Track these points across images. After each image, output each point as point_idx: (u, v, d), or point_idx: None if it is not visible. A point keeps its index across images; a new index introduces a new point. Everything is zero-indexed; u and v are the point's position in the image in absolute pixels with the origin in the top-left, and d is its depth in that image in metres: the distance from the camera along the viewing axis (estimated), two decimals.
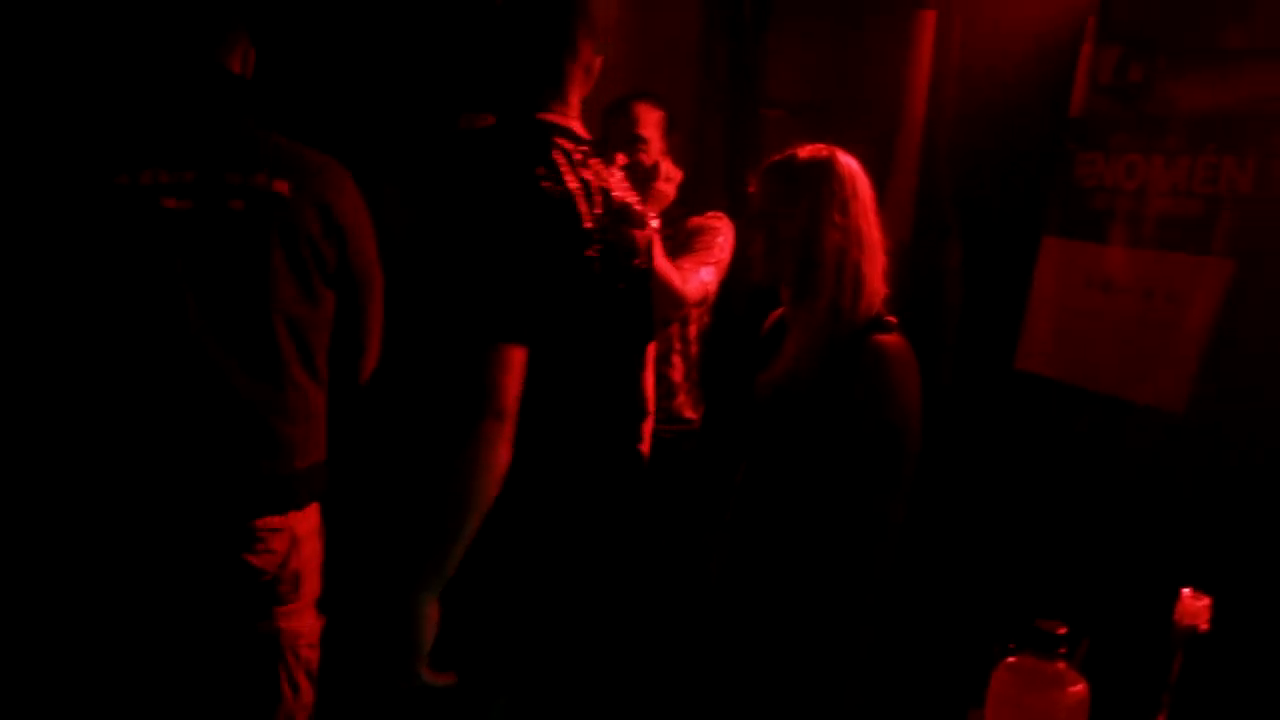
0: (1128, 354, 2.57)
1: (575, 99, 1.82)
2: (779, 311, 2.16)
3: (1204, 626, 1.48)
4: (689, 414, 2.77)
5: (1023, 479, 2.73)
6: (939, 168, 3.19)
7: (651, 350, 2.04)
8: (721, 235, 2.64)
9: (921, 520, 2.13)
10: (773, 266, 2.02)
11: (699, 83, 3.51)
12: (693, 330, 2.73)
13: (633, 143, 2.59)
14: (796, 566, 1.97)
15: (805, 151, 2.00)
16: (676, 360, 2.73)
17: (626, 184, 1.88)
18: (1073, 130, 2.78)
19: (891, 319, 1.94)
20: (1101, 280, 2.68)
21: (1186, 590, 1.51)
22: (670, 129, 2.68)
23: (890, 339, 1.90)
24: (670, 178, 2.54)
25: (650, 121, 2.62)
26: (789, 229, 1.96)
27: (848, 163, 1.98)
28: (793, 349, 2.04)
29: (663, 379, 2.73)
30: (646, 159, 2.56)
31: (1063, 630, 1.27)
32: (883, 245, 1.98)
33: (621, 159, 2.58)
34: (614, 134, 2.63)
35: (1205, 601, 1.49)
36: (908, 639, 2.15)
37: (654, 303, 2.47)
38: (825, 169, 1.96)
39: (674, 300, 2.48)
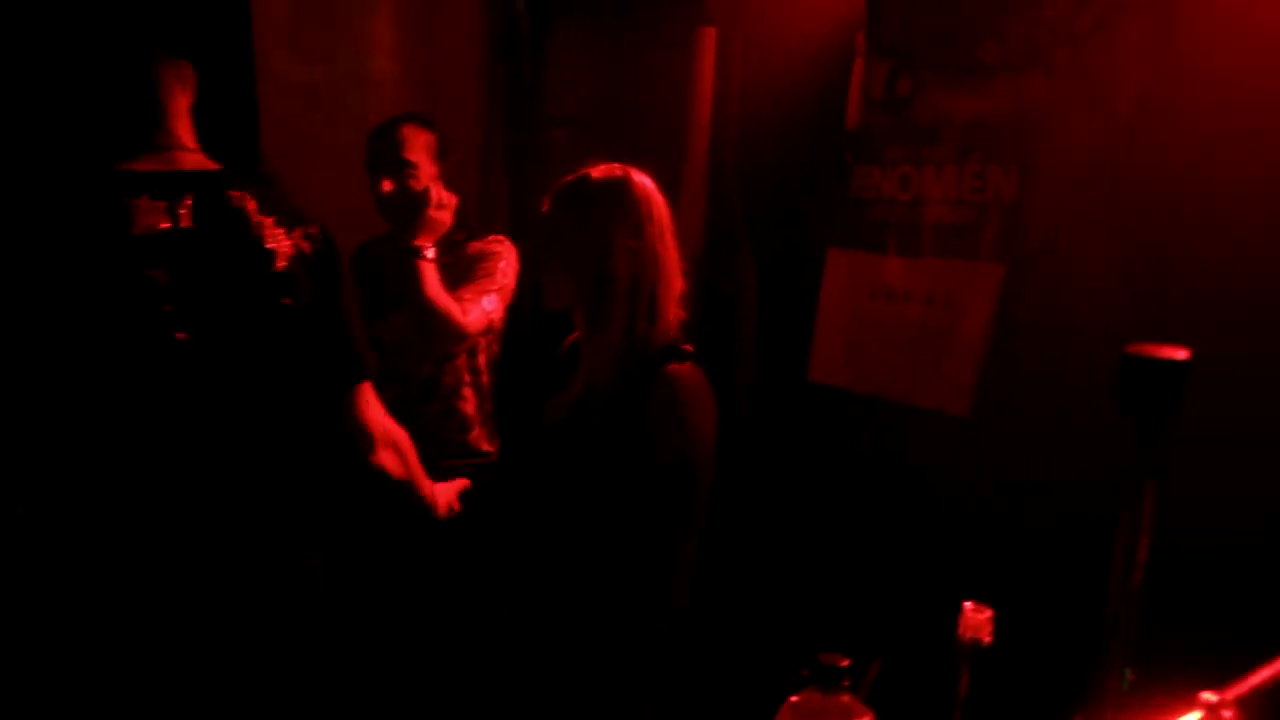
0: (913, 360, 2.63)
1: (176, 122, 1.79)
2: (575, 335, 2.08)
3: (987, 639, 1.48)
4: (485, 446, 2.65)
5: (822, 493, 2.74)
6: (727, 183, 3.19)
7: (363, 399, 1.89)
8: (504, 260, 2.54)
9: (722, 545, 2.09)
10: (565, 291, 1.94)
11: (482, 102, 3.42)
12: (482, 360, 2.62)
13: (399, 168, 2.46)
14: (587, 603, 1.89)
15: (598, 171, 1.91)
16: (468, 393, 2.62)
17: (261, 216, 1.77)
18: (849, 143, 2.83)
19: (688, 347, 1.88)
20: (884, 290, 2.73)
21: (968, 603, 1.50)
22: (443, 152, 2.55)
23: (685, 369, 1.83)
24: (444, 204, 2.41)
25: (418, 145, 2.49)
26: (581, 252, 1.87)
27: (643, 183, 1.90)
28: (585, 376, 1.97)
29: (456, 413, 2.61)
30: (415, 185, 2.43)
31: (845, 662, 1.22)
32: (680, 269, 1.92)
33: (388, 185, 2.45)
34: (379, 159, 2.49)
35: (987, 614, 1.48)
36: (706, 673, 2.10)
37: (431, 337, 2.37)
38: (619, 189, 1.88)
39: (453, 333, 2.37)
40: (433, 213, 2.37)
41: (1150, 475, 0.79)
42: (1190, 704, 0.98)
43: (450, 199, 2.44)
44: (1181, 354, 0.77)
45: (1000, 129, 2.48)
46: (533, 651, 1.99)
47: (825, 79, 2.93)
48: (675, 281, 1.91)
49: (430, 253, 2.34)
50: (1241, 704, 0.99)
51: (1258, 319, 2.03)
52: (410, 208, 2.37)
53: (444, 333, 2.36)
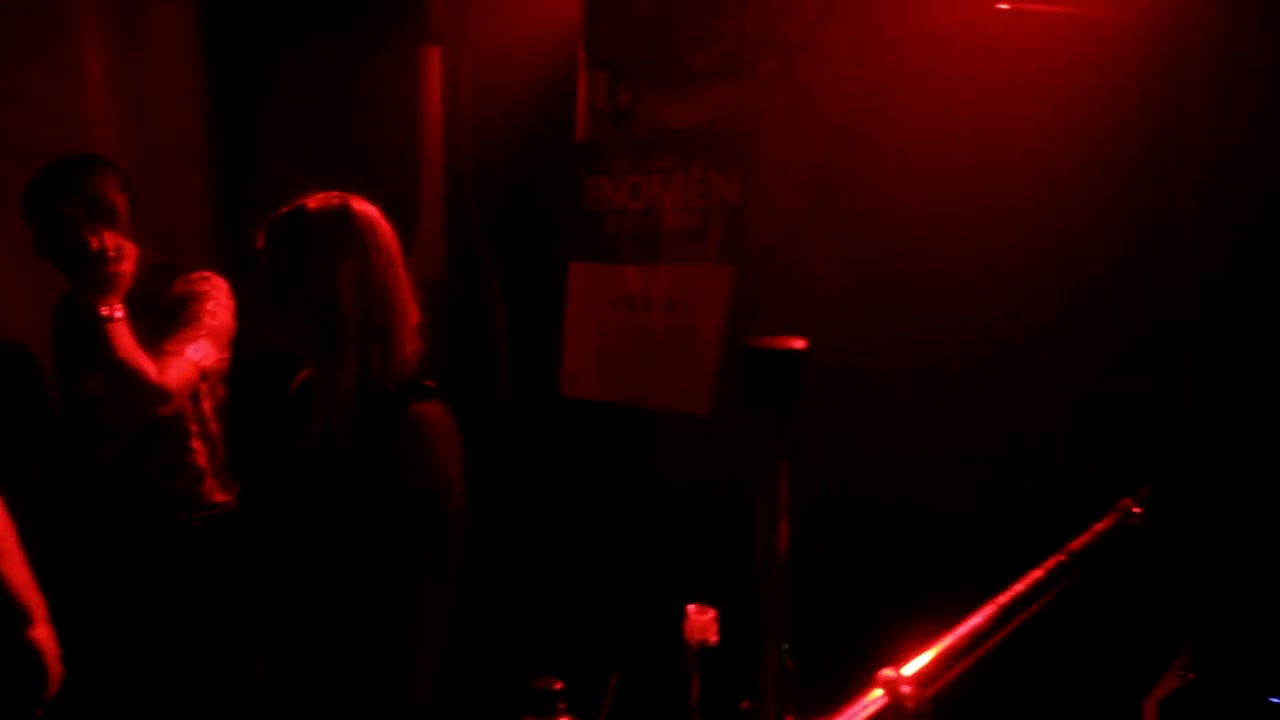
0: (658, 366, 2.66)
1: None
2: (306, 372, 1.96)
3: (714, 639, 1.49)
4: (219, 497, 2.48)
5: (578, 506, 2.73)
6: (466, 203, 3.15)
7: None
8: (211, 299, 2.34)
9: (481, 569, 2.03)
10: (290, 332, 1.81)
11: (201, 133, 3.23)
12: (208, 406, 2.45)
13: (56, 227, 2.20)
14: (342, 651, 1.79)
15: (315, 201, 1.78)
16: (197, 444, 2.43)
17: None
18: (579, 156, 2.85)
19: (429, 383, 1.79)
20: (625, 299, 2.75)
21: (691, 606, 1.51)
22: (112, 199, 2.29)
23: (429, 407, 1.73)
24: (120, 255, 2.14)
25: (75, 197, 2.24)
26: (304, 290, 1.75)
27: (365, 211, 1.78)
28: (321, 417, 1.86)
29: (185, 465, 2.43)
30: (77, 242, 2.13)
31: (559, 685, 1.20)
32: (414, 298, 1.83)
33: (48, 246, 2.22)
34: (31, 219, 2.24)
35: (711, 614, 1.49)
36: (462, 703, 2.05)
37: (126, 401, 2.17)
38: (339, 220, 1.76)
39: (150, 396, 2.14)
40: (107, 270, 2.11)
41: (779, 463, 0.80)
42: (871, 682, 1.00)
43: (128, 248, 2.17)
44: (798, 344, 0.78)
45: (719, 135, 2.55)
46: (288, 706, 1.88)
47: (554, 92, 2.94)
48: (409, 313, 1.81)
49: (116, 313, 2.10)
50: (920, 678, 1.02)
51: (951, 337, 2.16)
52: (79, 267, 2.12)
53: (140, 397, 2.12)
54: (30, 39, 3.05)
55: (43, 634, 1.90)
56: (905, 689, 1.00)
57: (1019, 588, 1.21)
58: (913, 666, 1.02)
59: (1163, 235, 1.93)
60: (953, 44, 2.23)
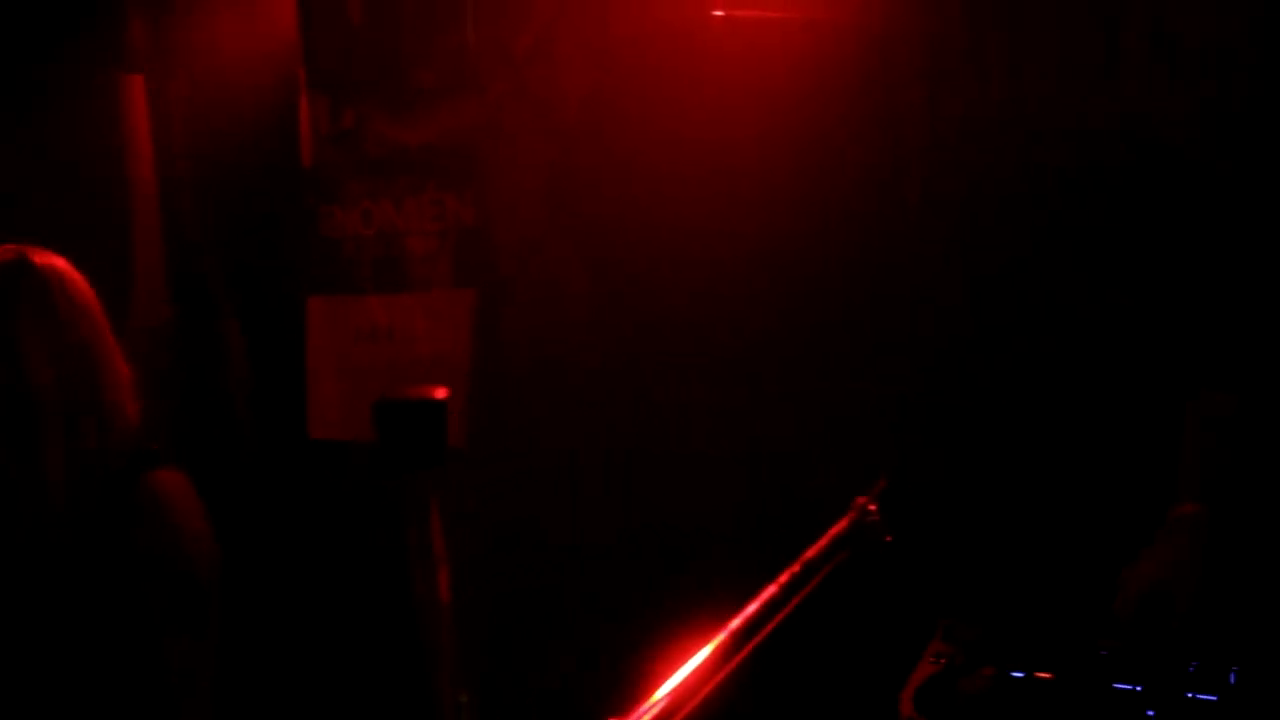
0: None
1: None
2: None
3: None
4: None
5: (333, 557, 2.57)
6: (190, 239, 2.90)
7: None
8: None
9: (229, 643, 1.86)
10: None
11: None
12: None
13: None
14: None
15: None
16: None
17: None
18: (309, 183, 2.68)
19: (154, 445, 1.59)
20: (369, 331, 2.61)
21: None
22: None
23: (164, 475, 1.55)
24: None
25: None
26: None
27: (49, 264, 1.55)
28: (32, 509, 1.61)
29: None
30: None
31: None
32: (120, 354, 1.62)
33: None
34: None
35: None
36: None
37: None
38: (16, 277, 1.54)
39: None
40: None
41: (429, 518, 0.73)
42: None
43: None
44: (440, 394, 0.70)
45: (449, 154, 2.46)
46: None
47: (281, 116, 2.76)
48: (119, 372, 1.61)
49: None
50: None
51: (697, 338, 2.15)
52: None
53: None
54: None
55: None
56: None
57: (752, 608, 1.17)
58: (641, 716, 0.96)
59: (890, 242, 1.96)
60: (681, 49, 2.23)
